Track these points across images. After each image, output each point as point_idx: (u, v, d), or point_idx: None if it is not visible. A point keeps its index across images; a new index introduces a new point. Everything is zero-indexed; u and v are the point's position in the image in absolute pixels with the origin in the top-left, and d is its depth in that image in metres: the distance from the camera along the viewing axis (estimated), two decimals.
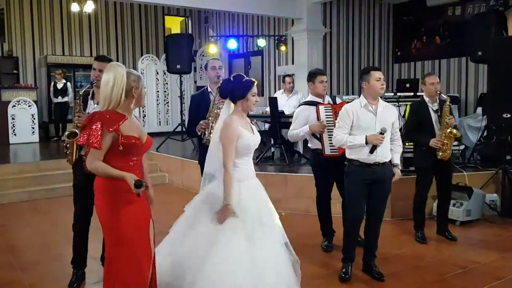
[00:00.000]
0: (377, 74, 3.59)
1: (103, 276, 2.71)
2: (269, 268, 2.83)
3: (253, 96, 3.01)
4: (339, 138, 3.63)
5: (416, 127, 4.58)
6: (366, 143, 3.52)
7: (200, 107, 4.01)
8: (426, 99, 4.56)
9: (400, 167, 3.78)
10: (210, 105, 3.87)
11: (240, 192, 2.95)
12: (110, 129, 2.50)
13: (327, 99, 4.35)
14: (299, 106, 4.59)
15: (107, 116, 2.53)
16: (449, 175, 4.68)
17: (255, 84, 3.06)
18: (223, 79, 3.37)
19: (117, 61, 11.90)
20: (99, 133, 2.49)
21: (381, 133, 3.52)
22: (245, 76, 3.12)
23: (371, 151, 3.54)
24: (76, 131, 3.36)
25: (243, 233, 2.86)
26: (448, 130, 4.35)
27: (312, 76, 4.31)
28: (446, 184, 4.69)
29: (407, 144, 5.75)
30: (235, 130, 2.93)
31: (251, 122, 3.19)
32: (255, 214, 2.92)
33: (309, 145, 4.43)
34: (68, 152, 3.47)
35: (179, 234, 3.08)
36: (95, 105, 3.51)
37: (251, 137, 3.00)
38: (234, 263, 2.76)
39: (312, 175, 4.51)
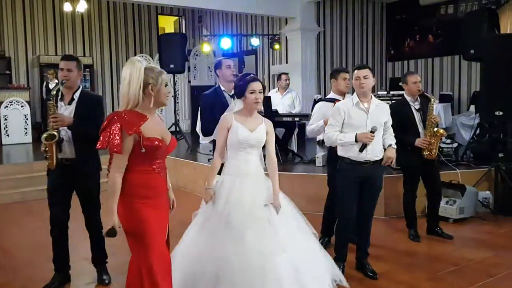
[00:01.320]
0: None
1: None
2: (259, 266, 2.79)
3: (251, 93, 2.98)
4: (330, 136, 3.62)
5: (399, 127, 4.50)
6: (356, 141, 3.51)
7: (214, 106, 3.96)
8: (408, 98, 4.53)
9: (395, 147, 3.69)
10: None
11: (221, 187, 2.98)
12: (130, 132, 2.36)
13: (348, 97, 4.33)
14: (317, 102, 4.60)
15: (126, 117, 2.38)
16: (434, 173, 4.65)
17: (256, 81, 3.01)
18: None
19: (110, 60, 11.85)
20: (119, 136, 2.35)
21: (372, 132, 3.50)
22: (252, 74, 3.12)
23: (361, 149, 3.53)
24: (54, 133, 3.30)
25: (200, 225, 2.97)
26: (435, 129, 4.34)
27: (335, 73, 4.36)
28: (433, 182, 4.65)
29: None
30: (226, 122, 3.02)
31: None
32: (225, 212, 2.91)
33: (338, 152, 4.40)
34: (47, 156, 3.35)
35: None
36: (66, 106, 3.47)
37: (243, 133, 2.98)
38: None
39: (307, 173, 4.51)
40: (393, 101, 6.66)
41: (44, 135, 3.32)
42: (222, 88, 4.06)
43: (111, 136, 2.36)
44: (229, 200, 2.93)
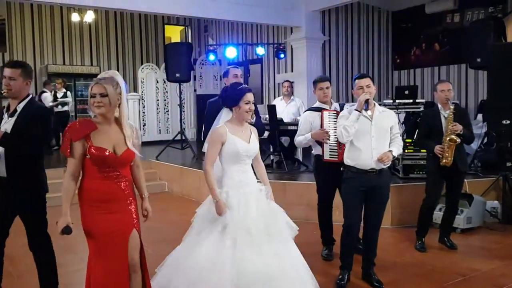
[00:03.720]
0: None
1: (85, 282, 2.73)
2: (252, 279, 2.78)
3: (246, 104, 3.00)
4: (339, 133, 3.62)
5: (426, 134, 4.56)
6: (359, 111, 3.55)
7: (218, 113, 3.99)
8: (439, 106, 4.54)
9: (394, 155, 3.65)
10: None
11: (228, 199, 2.95)
12: (73, 138, 2.56)
13: (334, 106, 4.32)
14: (304, 111, 4.58)
15: (77, 125, 2.61)
16: (458, 182, 4.58)
17: (250, 92, 3.04)
18: (223, 87, 3.36)
19: (117, 70, 11.91)
20: (68, 141, 2.57)
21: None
22: (243, 84, 3.13)
23: (366, 107, 3.55)
24: None
25: (220, 234, 2.89)
26: (448, 138, 4.33)
27: (314, 84, 4.34)
28: (453, 190, 4.59)
29: (406, 151, 5.74)
30: (220, 136, 2.99)
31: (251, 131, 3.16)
32: (241, 222, 2.88)
33: (312, 151, 4.42)
34: None
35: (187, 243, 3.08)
36: (9, 118, 3.15)
37: (240, 144, 2.99)
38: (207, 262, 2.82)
39: (312, 182, 4.50)
40: (399, 110, 6.67)
41: None
42: None
43: (63, 141, 2.62)
44: (241, 212, 2.92)
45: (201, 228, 3.03)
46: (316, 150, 4.32)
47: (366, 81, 3.62)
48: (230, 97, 3.04)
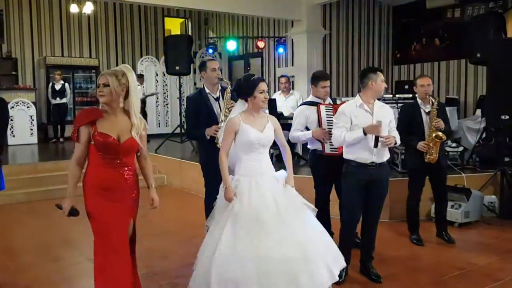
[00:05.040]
0: (383, 76, 3.68)
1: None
2: (265, 266, 2.79)
3: (261, 93, 3.09)
4: (337, 137, 3.61)
5: (406, 128, 4.48)
6: (365, 134, 3.50)
7: (199, 108, 3.99)
8: (419, 100, 4.53)
9: (397, 142, 3.69)
10: (216, 109, 3.95)
11: (238, 186, 3.00)
12: (78, 124, 2.69)
13: (328, 100, 4.34)
14: (299, 106, 4.56)
15: (84, 112, 2.79)
16: (441, 177, 4.63)
17: (264, 81, 3.14)
18: (237, 79, 3.37)
19: (116, 62, 11.91)
20: (75, 127, 2.71)
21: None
22: (254, 75, 3.22)
23: (376, 144, 3.51)
24: None
25: (232, 224, 2.91)
26: (434, 135, 4.32)
27: (315, 80, 4.30)
28: (439, 186, 4.65)
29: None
30: (234, 125, 3.07)
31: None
32: (253, 210, 2.92)
33: (308, 146, 4.42)
34: None
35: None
36: None
37: (253, 133, 3.04)
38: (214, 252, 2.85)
39: (311, 176, 4.49)
40: (399, 105, 6.66)
41: None
42: (207, 91, 4.06)
43: (73, 128, 2.74)
44: (251, 200, 2.96)
45: (216, 217, 3.09)
46: (313, 145, 4.31)
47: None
48: (245, 89, 3.12)
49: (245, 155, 3.08)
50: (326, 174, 4.23)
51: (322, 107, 4.15)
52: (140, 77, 10.75)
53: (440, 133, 4.30)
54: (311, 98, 4.37)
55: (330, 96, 4.66)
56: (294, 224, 2.96)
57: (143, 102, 10.54)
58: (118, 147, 2.71)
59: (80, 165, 2.75)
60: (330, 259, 3.02)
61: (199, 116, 4.01)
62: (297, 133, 4.27)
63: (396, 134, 3.74)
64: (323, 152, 4.14)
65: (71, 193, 2.72)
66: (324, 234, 3.13)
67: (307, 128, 4.24)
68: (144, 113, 9.93)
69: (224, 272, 2.80)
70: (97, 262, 2.75)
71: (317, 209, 3.20)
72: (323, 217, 4.40)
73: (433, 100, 4.38)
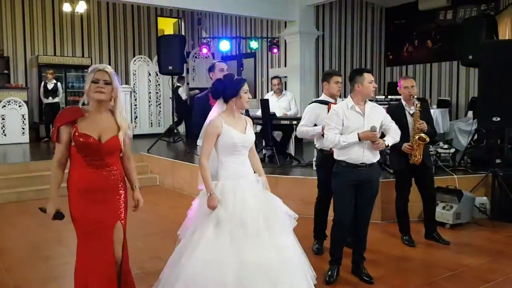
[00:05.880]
0: (370, 77, 3.65)
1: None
2: (247, 270, 2.76)
3: (245, 93, 3.01)
4: (331, 139, 3.60)
5: None
6: (359, 139, 3.51)
7: (205, 110, 3.97)
8: (403, 102, 4.54)
9: (387, 144, 3.68)
10: None
11: (222, 191, 2.91)
12: (58, 124, 2.59)
13: (339, 100, 4.32)
14: (310, 103, 4.54)
15: (64, 111, 2.68)
16: (427, 176, 4.63)
17: (246, 81, 3.06)
18: (215, 79, 3.33)
19: (109, 62, 11.86)
20: (55, 127, 2.61)
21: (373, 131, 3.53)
22: (235, 75, 3.13)
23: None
24: None
25: (215, 230, 2.83)
26: (417, 137, 4.34)
27: (327, 76, 4.31)
28: (425, 187, 4.64)
29: None
30: (216, 128, 2.94)
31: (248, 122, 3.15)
32: (236, 216, 2.85)
33: (316, 145, 4.38)
34: None
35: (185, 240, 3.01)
36: None
37: (236, 135, 2.96)
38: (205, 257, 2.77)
39: (304, 177, 4.49)
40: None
41: None
42: None
43: (53, 128, 2.66)
44: (236, 206, 2.88)
45: (195, 225, 2.96)
46: (320, 144, 4.25)
47: (372, 77, 3.67)
48: (230, 89, 3.01)
49: (227, 158, 2.98)
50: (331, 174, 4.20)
51: (334, 107, 4.14)
52: (182, 78, 10.95)
53: (423, 135, 4.32)
54: (323, 96, 4.37)
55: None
56: (276, 230, 2.92)
57: (186, 102, 10.84)
58: (99, 147, 2.62)
59: (61, 166, 2.65)
60: (307, 266, 3.00)
61: (204, 118, 3.99)
62: (306, 128, 4.27)
63: (395, 129, 3.75)
64: (331, 151, 4.11)
65: (54, 196, 2.64)
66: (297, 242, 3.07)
67: (315, 126, 4.25)
68: (189, 115, 9.66)
69: (196, 278, 2.73)
70: (78, 264, 2.69)
71: (297, 216, 3.12)
72: (321, 217, 4.39)
73: (417, 102, 4.39)
